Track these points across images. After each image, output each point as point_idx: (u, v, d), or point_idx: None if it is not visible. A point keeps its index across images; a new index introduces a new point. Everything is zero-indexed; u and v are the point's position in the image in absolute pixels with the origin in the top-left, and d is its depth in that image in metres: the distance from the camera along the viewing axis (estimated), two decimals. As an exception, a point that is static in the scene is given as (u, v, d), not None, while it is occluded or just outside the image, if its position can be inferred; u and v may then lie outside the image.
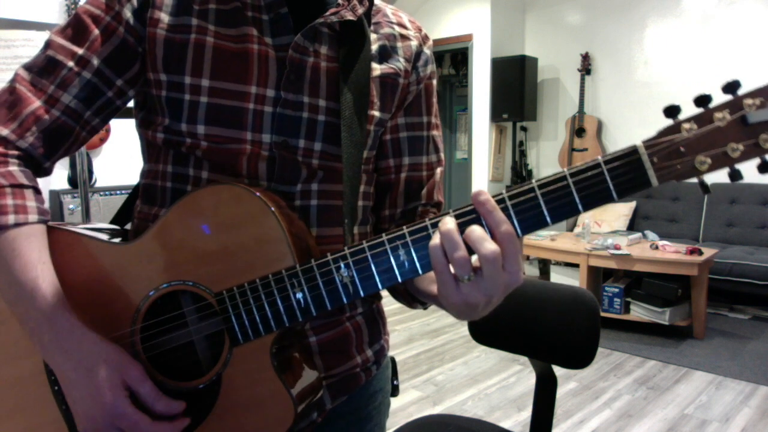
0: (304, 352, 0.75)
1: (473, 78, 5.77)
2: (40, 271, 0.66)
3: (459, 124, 6.99)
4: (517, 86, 5.40)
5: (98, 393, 0.63)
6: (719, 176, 0.57)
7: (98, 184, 3.88)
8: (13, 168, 0.68)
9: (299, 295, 0.65)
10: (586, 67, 5.38)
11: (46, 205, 0.71)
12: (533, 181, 0.58)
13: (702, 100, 0.55)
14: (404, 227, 0.61)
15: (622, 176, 0.56)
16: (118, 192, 3.71)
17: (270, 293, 0.65)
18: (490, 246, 0.56)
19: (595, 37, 5.41)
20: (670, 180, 0.56)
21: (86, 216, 2.40)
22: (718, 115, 0.54)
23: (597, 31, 5.41)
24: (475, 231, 0.57)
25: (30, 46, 1.91)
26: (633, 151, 0.56)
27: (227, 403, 0.68)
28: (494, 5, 5.55)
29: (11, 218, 0.65)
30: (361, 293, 0.63)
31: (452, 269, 0.58)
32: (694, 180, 0.58)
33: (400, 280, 0.62)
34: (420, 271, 0.61)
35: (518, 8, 5.88)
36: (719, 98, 0.55)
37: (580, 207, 0.57)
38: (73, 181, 3.69)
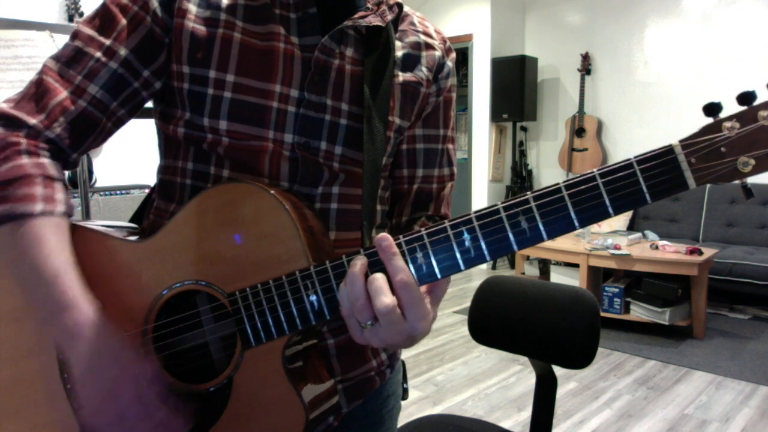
0: (319, 358, 0.74)
1: (473, 78, 5.77)
2: (63, 262, 0.64)
3: (459, 124, 6.98)
4: (517, 86, 5.40)
5: (113, 385, 0.62)
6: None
7: (98, 184, 3.87)
8: (45, 160, 0.67)
9: (313, 297, 0.63)
10: (586, 67, 5.38)
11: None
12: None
13: (746, 98, 0.51)
14: (422, 229, 0.60)
15: (656, 177, 0.53)
16: (118, 192, 3.71)
17: (283, 294, 0.64)
18: (384, 300, 0.57)
19: (595, 37, 5.41)
20: (709, 182, 0.53)
21: (86, 216, 2.40)
22: (763, 113, 0.51)
23: (597, 31, 5.41)
24: (375, 281, 0.58)
25: (30, 46, 1.90)
26: (668, 151, 0.53)
27: (238, 408, 0.66)
28: (494, 5, 5.55)
29: (39, 207, 0.64)
30: None
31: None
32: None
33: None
34: (438, 276, 0.60)
35: (518, 8, 5.88)
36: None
37: (611, 211, 0.55)
38: (73, 181, 3.68)
